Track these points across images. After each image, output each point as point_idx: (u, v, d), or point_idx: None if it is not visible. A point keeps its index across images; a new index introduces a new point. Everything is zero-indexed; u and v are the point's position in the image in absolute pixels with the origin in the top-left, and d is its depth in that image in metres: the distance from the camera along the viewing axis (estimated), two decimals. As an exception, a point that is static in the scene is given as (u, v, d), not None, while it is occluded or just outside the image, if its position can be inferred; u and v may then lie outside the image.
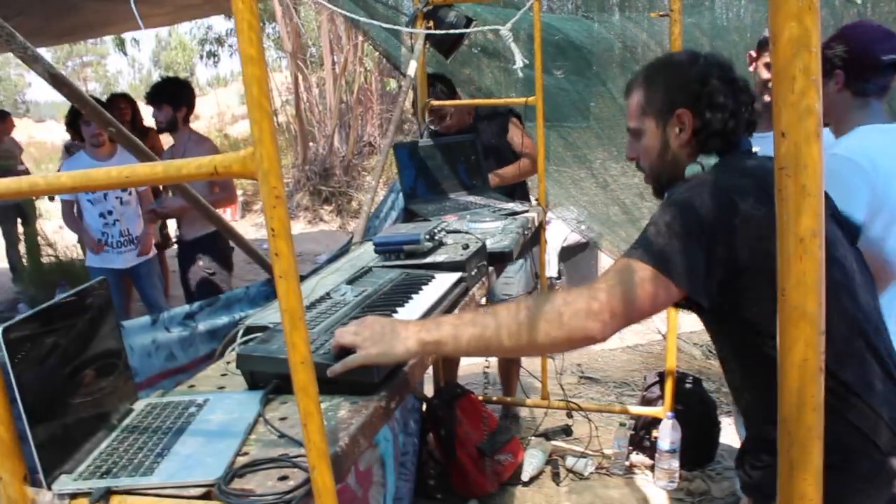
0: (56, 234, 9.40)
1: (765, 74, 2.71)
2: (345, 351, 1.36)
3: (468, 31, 3.46)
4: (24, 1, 4.56)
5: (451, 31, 3.40)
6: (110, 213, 4.74)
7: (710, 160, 1.61)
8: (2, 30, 1.65)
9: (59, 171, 7.24)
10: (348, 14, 3.81)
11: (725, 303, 1.45)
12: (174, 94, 4.29)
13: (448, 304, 1.83)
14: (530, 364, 4.44)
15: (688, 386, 3.72)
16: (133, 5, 2.97)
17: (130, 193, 4.78)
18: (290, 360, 0.94)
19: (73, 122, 5.19)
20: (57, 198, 5.77)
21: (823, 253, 0.85)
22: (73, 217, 4.86)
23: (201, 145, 4.30)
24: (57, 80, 1.57)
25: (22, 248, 8.85)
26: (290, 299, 0.92)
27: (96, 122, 1.78)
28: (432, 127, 3.82)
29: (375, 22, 4.08)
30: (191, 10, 6.76)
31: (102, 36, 11.95)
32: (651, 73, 1.70)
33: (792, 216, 0.83)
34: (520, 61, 3.18)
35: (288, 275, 0.91)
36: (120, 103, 5.91)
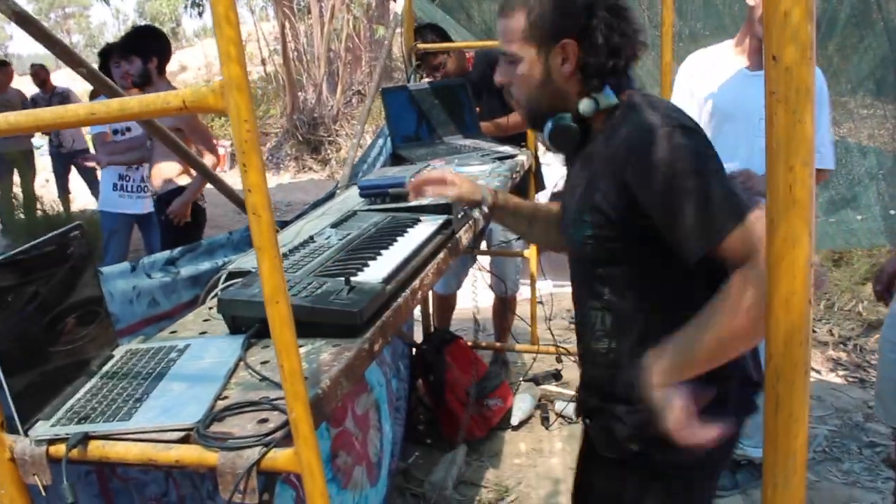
0: (43, 188, 9.34)
1: (759, 10, 2.66)
2: None
3: None
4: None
5: None
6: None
7: (608, 99, 1.52)
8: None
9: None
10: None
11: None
12: (142, 45, 4.10)
13: (434, 247, 1.80)
14: (520, 309, 4.44)
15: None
16: None
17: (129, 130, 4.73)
18: (266, 297, 0.91)
19: (104, 64, 5.05)
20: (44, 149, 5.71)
21: (813, 181, 0.83)
22: (105, 145, 4.82)
23: None
24: (21, 19, 1.52)
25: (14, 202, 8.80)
26: (263, 235, 0.89)
27: (67, 63, 1.72)
28: (428, 80, 3.74)
29: None
30: None
31: None
32: None
33: (782, 143, 0.80)
34: None
35: (261, 209, 0.88)
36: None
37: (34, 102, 7.06)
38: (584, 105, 1.52)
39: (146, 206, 4.76)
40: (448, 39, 3.99)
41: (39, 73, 8.55)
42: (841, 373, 4.32)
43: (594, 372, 1.66)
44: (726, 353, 1.35)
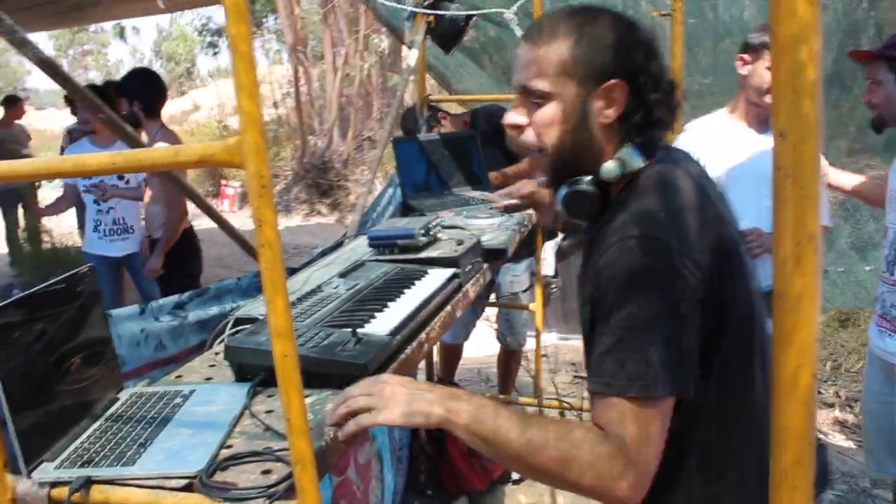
0: (52, 220, 9.39)
1: (767, 77, 2.73)
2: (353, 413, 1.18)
3: (469, 13, 3.44)
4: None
5: (456, 14, 3.38)
6: (105, 200, 4.70)
7: (634, 161, 1.27)
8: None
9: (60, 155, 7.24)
10: None
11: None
12: (127, 88, 4.18)
13: (441, 300, 1.81)
14: (525, 361, 4.43)
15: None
16: None
17: (128, 182, 4.74)
18: (274, 352, 0.92)
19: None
20: (56, 183, 5.76)
21: (820, 256, 0.84)
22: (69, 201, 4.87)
23: (168, 142, 4.17)
24: (46, 65, 1.55)
25: (21, 234, 8.86)
26: (275, 291, 0.90)
27: (87, 108, 1.76)
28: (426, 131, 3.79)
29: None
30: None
31: (109, 20, 11.97)
32: (585, 20, 1.27)
33: (790, 218, 0.82)
34: None
35: (274, 266, 0.89)
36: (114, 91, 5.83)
37: (70, 134, 7.14)
38: (607, 169, 1.28)
39: (121, 248, 4.72)
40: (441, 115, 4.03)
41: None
42: (848, 436, 4.28)
43: None
44: (505, 457, 1.16)
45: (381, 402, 1.17)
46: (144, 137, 4.48)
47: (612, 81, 1.24)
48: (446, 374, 4.23)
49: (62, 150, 7.56)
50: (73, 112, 5.85)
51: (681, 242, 1.15)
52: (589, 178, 1.30)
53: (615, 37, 1.24)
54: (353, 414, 1.18)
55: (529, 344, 4.48)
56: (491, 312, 4.22)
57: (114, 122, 1.74)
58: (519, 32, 3.18)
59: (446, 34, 3.48)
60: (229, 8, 0.82)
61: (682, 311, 1.13)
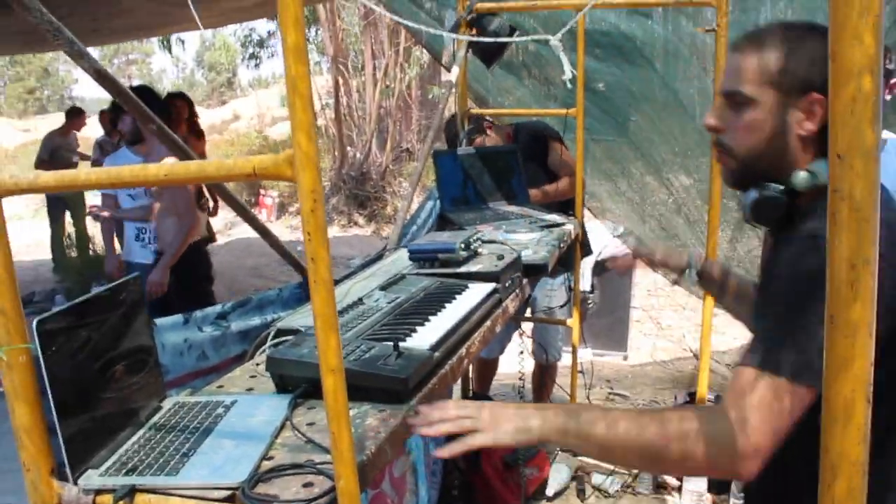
0: (94, 227, 9.55)
1: None
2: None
3: (515, 40, 3.44)
4: (75, 1, 4.63)
5: (496, 41, 3.38)
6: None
7: (825, 175, 1.23)
8: (50, 24, 1.66)
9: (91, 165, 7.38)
10: (396, 18, 3.81)
11: None
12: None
13: (481, 315, 1.81)
14: (559, 378, 4.41)
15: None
16: (192, 7, 3.00)
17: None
18: (322, 366, 0.93)
19: (115, 119, 5.24)
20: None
21: (875, 280, 0.82)
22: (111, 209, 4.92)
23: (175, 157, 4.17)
24: (101, 76, 1.59)
25: (66, 240, 9.04)
26: (324, 305, 0.91)
27: (138, 119, 1.79)
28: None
29: (420, 26, 4.09)
30: (239, 14, 6.84)
31: (154, 36, 12.21)
32: (795, 36, 1.32)
33: (844, 241, 0.80)
34: (569, 72, 3.18)
35: (323, 280, 0.90)
36: (176, 102, 5.84)
37: (100, 147, 7.27)
38: (801, 178, 1.31)
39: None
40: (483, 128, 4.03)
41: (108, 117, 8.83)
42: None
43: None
44: (623, 456, 1.21)
45: (487, 423, 1.24)
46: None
47: (815, 95, 1.27)
48: (481, 388, 4.22)
49: (94, 163, 7.68)
50: (104, 125, 5.92)
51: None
52: (779, 186, 1.34)
53: (822, 53, 1.22)
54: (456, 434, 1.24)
55: (564, 360, 4.46)
56: (527, 327, 4.20)
57: (166, 133, 1.77)
58: (564, 59, 3.17)
59: (489, 49, 3.48)
60: (290, 49, 0.83)
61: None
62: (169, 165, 0.96)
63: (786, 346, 1.14)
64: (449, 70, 3.55)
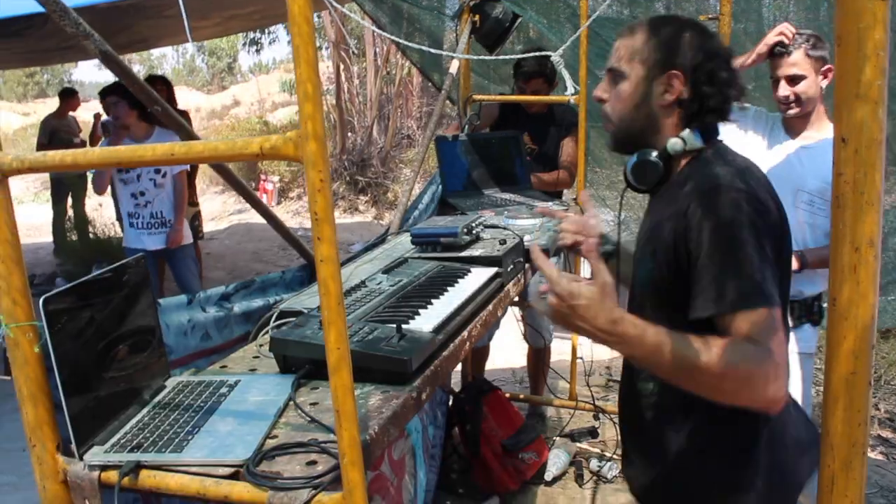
0: (95, 211, 9.56)
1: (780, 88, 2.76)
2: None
3: (514, 57, 3.46)
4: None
5: (496, 58, 3.44)
6: (143, 194, 4.79)
7: (694, 140, 1.54)
8: (56, 5, 1.66)
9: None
10: (394, 38, 3.81)
11: None
12: (120, 88, 4.50)
13: (483, 299, 1.81)
14: (558, 364, 4.42)
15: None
16: (185, 20, 3.01)
17: (164, 176, 4.82)
18: (327, 344, 0.93)
19: (106, 105, 5.36)
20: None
21: (879, 263, 0.83)
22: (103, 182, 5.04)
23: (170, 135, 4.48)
24: (107, 58, 1.59)
25: (67, 223, 9.03)
26: (331, 283, 0.92)
27: (143, 100, 1.79)
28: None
29: (415, 45, 4.13)
30: (238, 21, 6.84)
31: (155, 48, 12.28)
32: (660, 24, 1.60)
33: (849, 224, 0.81)
34: (571, 88, 3.22)
35: (330, 259, 0.91)
36: (156, 84, 5.94)
37: (105, 128, 7.28)
38: (672, 143, 1.55)
39: (158, 241, 4.90)
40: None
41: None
42: (888, 448, 4.21)
43: (634, 413, 1.67)
44: (689, 380, 1.30)
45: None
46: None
47: (673, 71, 1.53)
48: (475, 372, 4.23)
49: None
50: (105, 108, 6.00)
51: (759, 195, 1.41)
52: (656, 151, 1.58)
53: (682, 38, 1.55)
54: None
55: (559, 344, 4.47)
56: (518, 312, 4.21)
57: (170, 115, 1.77)
58: (566, 75, 3.25)
59: (492, 33, 3.48)
60: (302, 58, 0.83)
61: (770, 242, 1.38)
62: (174, 145, 0.97)
63: (751, 279, 1.32)
64: (439, 90, 3.61)
